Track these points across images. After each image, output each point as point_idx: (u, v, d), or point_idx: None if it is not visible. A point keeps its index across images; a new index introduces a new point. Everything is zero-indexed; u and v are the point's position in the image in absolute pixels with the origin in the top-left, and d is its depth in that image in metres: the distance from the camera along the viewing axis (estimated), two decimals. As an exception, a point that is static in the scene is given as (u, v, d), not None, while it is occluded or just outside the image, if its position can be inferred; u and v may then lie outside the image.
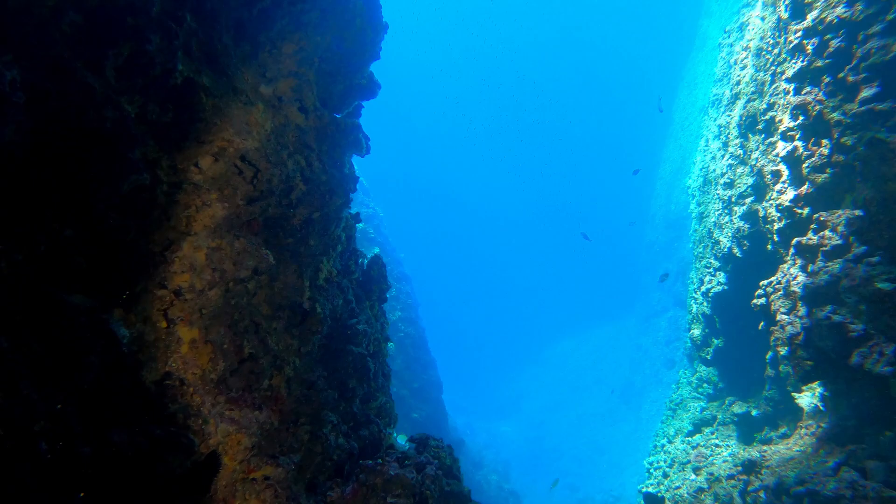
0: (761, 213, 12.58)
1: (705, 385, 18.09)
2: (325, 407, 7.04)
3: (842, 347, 8.07)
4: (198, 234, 4.44)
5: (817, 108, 8.86)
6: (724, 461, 12.69)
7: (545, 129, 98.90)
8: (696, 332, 17.24)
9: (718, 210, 15.97)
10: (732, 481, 10.68)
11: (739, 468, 10.72)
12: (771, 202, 11.71)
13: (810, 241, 9.04)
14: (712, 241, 16.25)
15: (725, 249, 14.78)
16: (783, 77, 10.93)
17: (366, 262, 9.64)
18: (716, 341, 16.26)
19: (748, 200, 13.60)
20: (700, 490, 11.62)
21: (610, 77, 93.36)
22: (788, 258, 10.08)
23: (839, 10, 8.50)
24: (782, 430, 13.19)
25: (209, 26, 4.98)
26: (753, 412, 14.35)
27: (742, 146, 14.54)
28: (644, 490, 15.56)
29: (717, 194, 16.05)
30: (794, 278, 9.40)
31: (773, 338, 10.02)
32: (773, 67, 12.36)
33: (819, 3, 8.96)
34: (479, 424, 51.71)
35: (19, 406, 2.73)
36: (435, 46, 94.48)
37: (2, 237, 3.00)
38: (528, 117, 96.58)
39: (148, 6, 3.87)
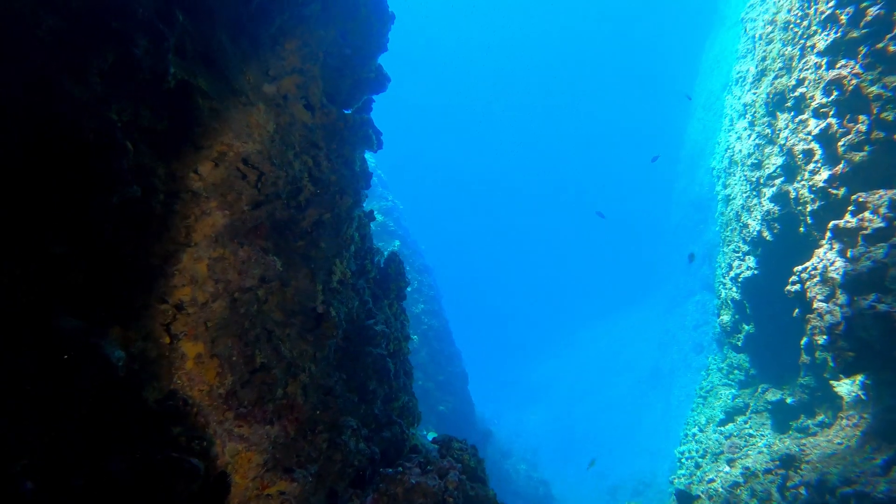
0: (792, 195, 12.03)
1: (736, 372, 17.59)
2: (344, 412, 6.88)
3: (888, 338, 7.60)
4: (198, 245, 4.25)
5: (854, 82, 8.33)
6: (760, 452, 12.26)
7: (566, 113, 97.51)
8: (726, 317, 16.73)
9: (746, 192, 15.38)
10: (770, 476, 10.27)
11: (777, 462, 10.30)
12: (803, 183, 11.17)
13: (848, 224, 8.54)
14: (740, 224, 15.68)
15: (754, 233, 14.23)
16: (814, 51, 10.35)
17: (382, 259, 9.44)
18: (746, 327, 15.74)
19: (778, 181, 13.02)
20: (735, 485, 11.22)
21: (630, 57, 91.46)
22: (824, 242, 9.58)
23: (876, -24, 7.94)
24: (819, 417, 12.71)
25: (204, 25, 4.76)
26: (788, 399, 13.86)
27: (770, 125, 13.93)
28: (676, 484, 15.20)
29: (745, 175, 15.46)
30: (832, 264, 8.91)
31: (809, 326, 9.55)
32: (801, 41, 11.73)
33: (853, -30, 8.41)
34: (506, 413, 51.67)
35: None
36: (451, 30, 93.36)
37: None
38: (548, 101, 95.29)
39: (133, 7, 3.65)
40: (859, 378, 9.94)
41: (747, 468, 11.34)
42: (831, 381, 11.40)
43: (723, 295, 16.99)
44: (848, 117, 8.95)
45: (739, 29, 20.77)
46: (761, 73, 14.85)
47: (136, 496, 3.24)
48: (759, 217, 14.01)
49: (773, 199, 13.06)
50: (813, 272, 9.62)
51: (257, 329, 5.41)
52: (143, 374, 3.85)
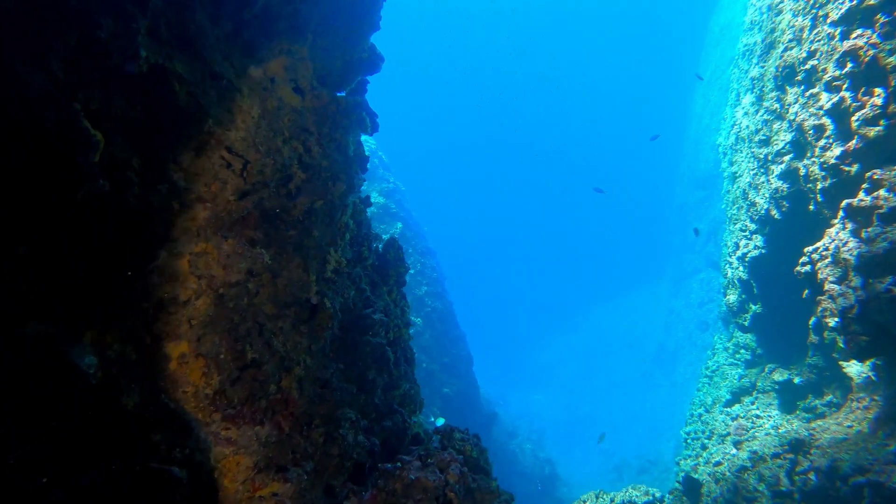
0: (802, 172, 11.68)
1: (742, 351, 17.41)
2: (342, 404, 6.69)
3: (905, 322, 7.35)
4: (177, 241, 4.01)
5: (870, 52, 7.95)
6: (767, 434, 12.09)
7: (570, 90, 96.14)
8: (732, 297, 16.47)
9: (753, 169, 15.00)
10: (778, 460, 10.11)
11: (786, 447, 10.13)
12: (813, 160, 10.82)
13: (862, 203, 8.23)
14: (747, 202, 15.33)
15: (762, 211, 13.90)
16: (827, 20, 9.92)
17: (381, 245, 9.21)
18: (753, 307, 15.49)
19: (787, 158, 12.65)
20: (743, 469, 11.06)
21: (633, 31, 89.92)
22: (836, 221, 9.26)
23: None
24: (828, 397, 12.52)
25: (180, 5, 4.47)
26: (796, 380, 13.68)
27: (778, 99, 13.50)
28: (683, 466, 15.10)
29: (752, 152, 15.06)
30: (845, 244, 8.61)
31: (819, 308, 9.29)
32: (813, 10, 11.26)
33: (869, -66, 7.97)
34: (512, 394, 51.82)
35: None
36: (453, 6, 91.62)
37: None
38: (552, 78, 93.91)
39: (95, -15, 3.37)
40: (870, 359, 9.71)
41: (755, 452, 11.18)
42: (840, 362, 11.17)
43: (729, 274, 16.71)
44: (863, 90, 8.58)
45: (746, 0, 20.16)
46: (770, 46, 14.37)
47: (113, 511, 3.06)
48: (766, 195, 13.66)
49: (781, 176, 12.71)
50: (824, 252, 9.33)
51: (247, 323, 5.19)
52: (122, 379, 3.64)
